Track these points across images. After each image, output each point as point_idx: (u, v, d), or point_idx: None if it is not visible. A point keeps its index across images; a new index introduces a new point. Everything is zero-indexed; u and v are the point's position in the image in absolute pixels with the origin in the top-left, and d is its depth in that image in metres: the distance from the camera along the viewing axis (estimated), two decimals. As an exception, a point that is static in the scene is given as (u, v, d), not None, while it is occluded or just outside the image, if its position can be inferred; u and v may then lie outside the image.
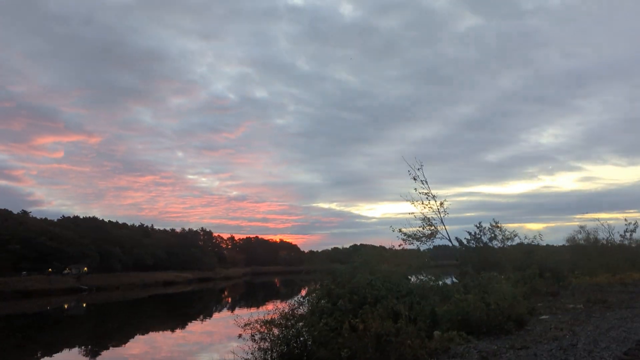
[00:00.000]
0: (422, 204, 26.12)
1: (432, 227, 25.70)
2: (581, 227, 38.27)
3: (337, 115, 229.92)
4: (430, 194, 26.19)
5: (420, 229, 25.89)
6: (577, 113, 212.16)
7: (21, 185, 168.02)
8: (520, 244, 30.52)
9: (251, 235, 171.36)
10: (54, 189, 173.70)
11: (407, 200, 26.08)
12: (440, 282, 15.85)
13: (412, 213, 26.01)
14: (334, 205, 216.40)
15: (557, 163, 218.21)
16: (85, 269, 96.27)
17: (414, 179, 26.15)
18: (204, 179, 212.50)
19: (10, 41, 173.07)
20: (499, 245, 29.52)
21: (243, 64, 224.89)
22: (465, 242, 30.12)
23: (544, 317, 15.05)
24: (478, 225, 29.72)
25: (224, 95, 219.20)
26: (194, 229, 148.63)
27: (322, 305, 11.42)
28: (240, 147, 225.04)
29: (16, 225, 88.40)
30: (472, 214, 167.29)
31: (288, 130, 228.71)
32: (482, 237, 29.85)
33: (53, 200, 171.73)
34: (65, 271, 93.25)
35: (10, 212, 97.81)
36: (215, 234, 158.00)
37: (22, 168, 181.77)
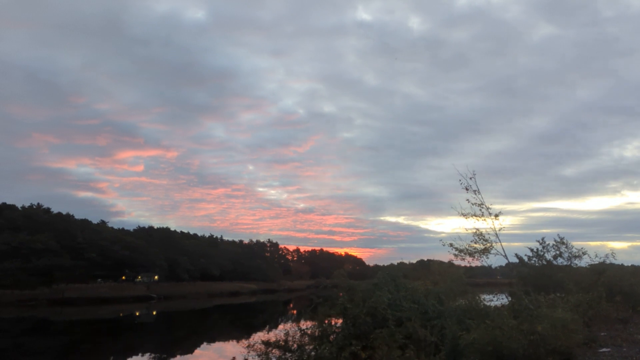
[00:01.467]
0: (475, 216, 24.11)
1: (486, 242, 23.60)
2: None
3: (405, 129, 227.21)
4: (484, 206, 24.15)
5: (473, 243, 23.85)
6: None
7: (105, 197, 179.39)
8: (595, 264, 27.46)
9: (317, 248, 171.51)
10: (134, 200, 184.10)
11: (459, 213, 24.19)
12: (482, 304, 14.10)
13: (467, 228, 24.03)
14: (401, 219, 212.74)
15: None
16: (156, 277, 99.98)
17: (466, 189, 24.22)
18: (272, 192, 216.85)
19: (97, 63, 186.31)
20: (565, 263, 26.78)
21: (312, 80, 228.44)
22: (526, 259, 27.63)
23: (603, 349, 12.92)
24: (541, 241, 27.15)
25: (293, 110, 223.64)
26: (262, 240, 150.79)
27: (327, 328, 10.28)
28: (308, 161, 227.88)
29: (93, 235, 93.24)
30: (548, 230, 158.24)
31: (355, 144, 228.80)
32: (546, 254, 27.23)
33: (133, 211, 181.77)
34: (137, 279, 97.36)
35: (90, 221, 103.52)
36: (282, 246, 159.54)
37: (105, 181, 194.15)
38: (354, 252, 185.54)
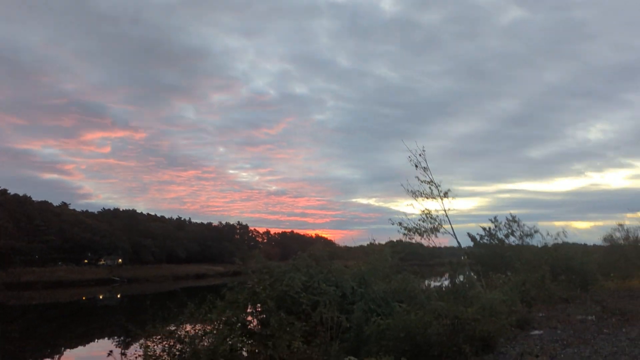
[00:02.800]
0: (424, 196, 23.28)
1: (434, 221, 22.80)
2: (620, 224, 33.87)
3: (377, 111, 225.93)
4: (433, 184, 23.30)
5: (422, 222, 23.04)
6: (626, 107, 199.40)
7: (71, 179, 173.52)
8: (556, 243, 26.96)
9: (287, 230, 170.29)
10: (102, 182, 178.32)
11: (407, 191, 23.33)
12: (415, 286, 13.10)
13: (415, 207, 23.20)
14: (372, 201, 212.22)
15: (605, 159, 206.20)
16: (120, 260, 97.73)
17: (415, 166, 23.32)
18: (244, 174, 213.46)
19: (62, 40, 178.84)
20: (517, 242, 26.28)
21: (283, 61, 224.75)
22: (478, 238, 27.04)
23: (535, 332, 12.16)
24: (493, 219, 26.56)
25: (264, 91, 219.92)
26: (231, 223, 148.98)
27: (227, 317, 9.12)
28: (281, 143, 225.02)
29: (52, 217, 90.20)
30: (515, 210, 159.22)
31: (327, 126, 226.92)
32: (498, 233, 26.68)
33: (100, 193, 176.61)
34: (100, 262, 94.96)
35: (50, 203, 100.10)
36: (252, 228, 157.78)
37: (72, 162, 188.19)
38: (326, 233, 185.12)
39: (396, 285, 12.53)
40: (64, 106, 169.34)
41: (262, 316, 9.62)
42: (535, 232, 26.30)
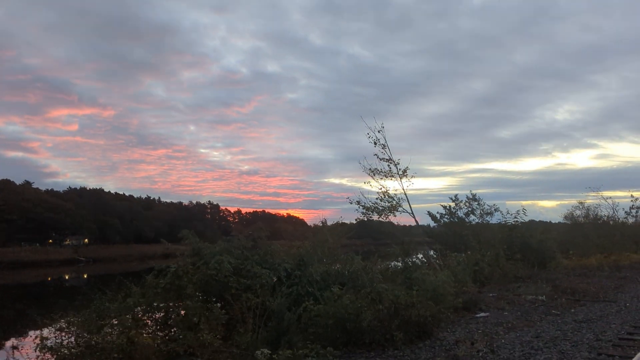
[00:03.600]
0: (383, 174, 22.72)
1: (392, 200, 22.30)
2: (581, 202, 33.99)
3: (350, 90, 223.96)
4: (392, 161, 22.73)
5: (379, 201, 22.51)
6: (593, 89, 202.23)
7: (37, 157, 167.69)
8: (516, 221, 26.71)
9: (258, 210, 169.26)
10: (69, 161, 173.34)
11: (364, 169, 22.73)
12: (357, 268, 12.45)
13: (368, 182, 22.64)
14: (345, 181, 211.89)
15: (572, 140, 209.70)
16: (86, 240, 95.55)
17: (374, 144, 22.69)
18: (215, 153, 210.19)
19: (25, 13, 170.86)
20: (477, 221, 26.04)
21: (255, 38, 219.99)
22: (438, 216, 26.72)
23: (481, 314, 11.72)
24: (454, 197, 26.22)
25: (236, 69, 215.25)
26: (202, 202, 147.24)
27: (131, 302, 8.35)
28: (252, 122, 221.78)
29: (13, 195, 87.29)
30: (485, 190, 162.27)
31: (300, 105, 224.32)
32: (458, 212, 26.38)
33: (68, 172, 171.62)
34: (66, 242, 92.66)
35: (12, 182, 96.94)
36: (223, 207, 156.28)
37: (37, 140, 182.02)
38: (298, 213, 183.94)
39: (338, 267, 11.92)
40: (29, 82, 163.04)
41: (183, 303, 8.86)
42: (496, 210, 26.08)
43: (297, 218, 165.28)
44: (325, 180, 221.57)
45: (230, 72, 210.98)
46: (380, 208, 22.72)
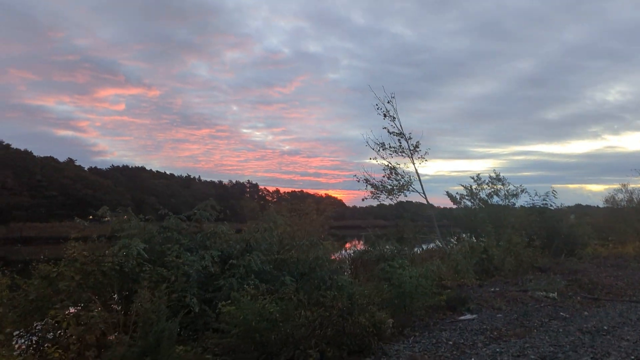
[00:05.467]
0: (393, 149, 20.75)
1: (399, 177, 20.34)
2: (624, 184, 30.67)
3: (392, 70, 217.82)
4: (403, 135, 20.71)
5: (386, 178, 20.60)
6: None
7: (86, 136, 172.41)
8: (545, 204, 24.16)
9: (297, 190, 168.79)
10: (117, 140, 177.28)
11: (368, 143, 20.85)
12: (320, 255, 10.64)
13: (374, 158, 20.74)
14: (386, 162, 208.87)
15: (623, 122, 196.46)
16: (125, 217, 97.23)
17: (384, 116, 20.68)
18: (257, 133, 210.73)
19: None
20: (501, 203, 23.70)
21: (297, 18, 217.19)
22: (457, 197, 24.51)
23: (466, 317, 9.77)
24: (475, 177, 23.92)
25: (278, 49, 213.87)
26: (241, 182, 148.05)
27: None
28: (294, 102, 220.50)
29: (54, 172, 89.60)
30: (530, 173, 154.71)
31: (341, 86, 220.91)
32: (480, 193, 24.09)
33: (115, 151, 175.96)
34: (105, 219, 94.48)
35: (54, 159, 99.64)
36: (262, 187, 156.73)
37: (86, 119, 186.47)
38: (338, 194, 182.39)
39: (291, 255, 10.20)
40: (77, 62, 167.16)
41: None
42: (522, 191, 23.68)
43: (335, 198, 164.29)
44: (366, 160, 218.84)
45: (273, 52, 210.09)
46: (389, 187, 20.82)
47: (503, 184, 23.47)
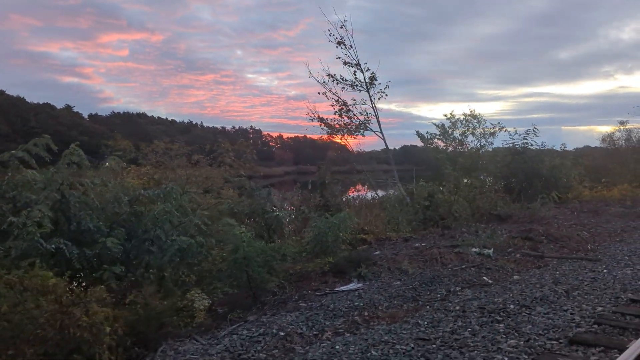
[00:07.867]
0: (344, 82, 18.22)
1: (353, 115, 17.96)
2: (622, 122, 27.57)
3: (399, 10, 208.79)
4: (359, 67, 18.10)
5: (337, 116, 18.24)
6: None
7: (91, 82, 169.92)
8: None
9: (300, 135, 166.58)
10: (122, 86, 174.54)
11: (314, 75, 18.36)
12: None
13: (323, 93, 18.31)
14: (393, 106, 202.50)
15: (637, 61, 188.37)
16: (124, 163, 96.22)
17: (338, 44, 18.02)
18: (263, 78, 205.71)
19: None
20: (477, 143, 21.24)
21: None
22: (427, 137, 22.05)
23: (349, 286, 7.63)
24: (449, 115, 21.33)
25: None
26: (244, 127, 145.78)
27: None
28: (299, 46, 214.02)
29: (47, 118, 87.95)
30: (539, 115, 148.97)
31: (347, 27, 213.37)
32: (454, 133, 21.59)
33: (121, 97, 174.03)
34: (106, 165, 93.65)
35: (51, 105, 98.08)
36: (265, 133, 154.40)
37: (90, 66, 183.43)
38: (346, 138, 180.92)
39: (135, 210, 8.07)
40: (79, 7, 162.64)
41: None
42: (501, 129, 21.10)
43: (339, 143, 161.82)
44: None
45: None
46: (342, 127, 18.50)
47: (479, 122, 20.90)
